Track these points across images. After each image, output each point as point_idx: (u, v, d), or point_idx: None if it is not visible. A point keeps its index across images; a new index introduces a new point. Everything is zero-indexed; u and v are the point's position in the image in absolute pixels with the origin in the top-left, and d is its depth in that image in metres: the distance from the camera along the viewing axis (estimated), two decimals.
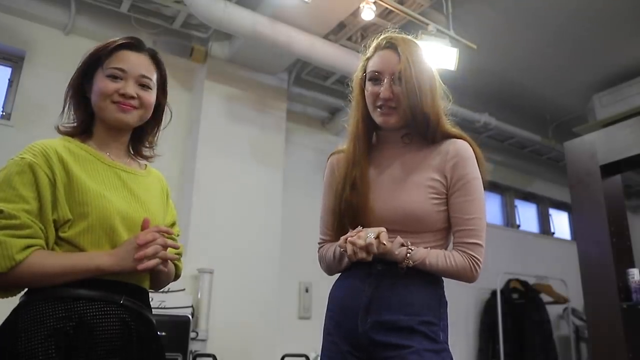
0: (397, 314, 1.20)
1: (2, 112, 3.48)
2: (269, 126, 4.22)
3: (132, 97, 1.18)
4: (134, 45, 1.23)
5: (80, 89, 1.23)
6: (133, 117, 1.20)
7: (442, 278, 1.29)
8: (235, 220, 3.81)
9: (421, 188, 1.25)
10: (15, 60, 3.59)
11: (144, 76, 1.21)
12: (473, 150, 1.29)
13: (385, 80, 1.27)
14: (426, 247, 1.24)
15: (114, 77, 1.18)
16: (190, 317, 3.11)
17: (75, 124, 1.22)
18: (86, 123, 1.22)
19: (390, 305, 1.21)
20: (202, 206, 3.63)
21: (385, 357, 1.18)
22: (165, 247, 1.11)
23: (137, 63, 1.20)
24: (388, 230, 1.19)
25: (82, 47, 3.74)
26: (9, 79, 3.57)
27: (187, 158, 3.92)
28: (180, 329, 2.97)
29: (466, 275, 1.24)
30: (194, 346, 3.32)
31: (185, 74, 4.03)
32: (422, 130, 1.29)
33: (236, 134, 4.02)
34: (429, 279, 1.25)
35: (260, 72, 4.21)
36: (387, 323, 1.20)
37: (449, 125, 1.32)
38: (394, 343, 1.17)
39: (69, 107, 1.22)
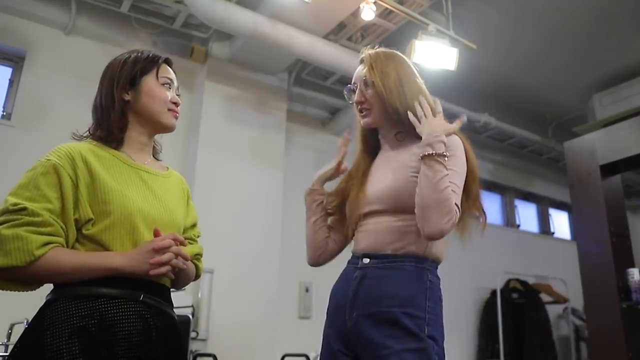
0: (380, 306, 1.22)
1: (3, 112, 3.48)
2: (269, 126, 4.22)
3: (178, 105, 1.33)
4: (171, 61, 1.37)
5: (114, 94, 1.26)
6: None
7: (431, 272, 1.29)
8: (235, 220, 3.81)
9: (403, 168, 1.33)
10: (15, 60, 3.60)
11: (178, 87, 1.36)
12: (462, 142, 1.34)
13: (357, 88, 1.43)
14: (408, 228, 1.28)
15: (168, 86, 1.31)
16: (191, 317, 3.12)
17: (106, 130, 1.25)
18: (121, 127, 1.26)
19: (374, 298, 1.24)
20: (202, 206, 3.62)
21: (368, 357, 1.21)
22: (177, 255, 1.16)
23: (175, 76, 1.35)
24: (375, 211, 1.33)
25: (82, 47, 3.75)
26: (9, 79, 3.57)
27: (187, 158, 3.93)
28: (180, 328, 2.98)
29: (442, 213, 1.18)
30: (194, 346, 3.33)
31: (186, 74, 4.03)
32: (398, 124, 1.38)
33: (236, 134, 4.02)
34: (413, 272, 1.26)
35: (260, 72, 4.21)
36: (371, 316, 1.23)
37: None
38: (376, 341, 1.19)
39: (113, 111, 1.24)
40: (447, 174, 1.21)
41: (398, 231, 1.29)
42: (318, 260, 1.48)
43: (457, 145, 1.30)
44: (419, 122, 1.30)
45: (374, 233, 1.31)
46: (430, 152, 1.22)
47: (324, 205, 1.49)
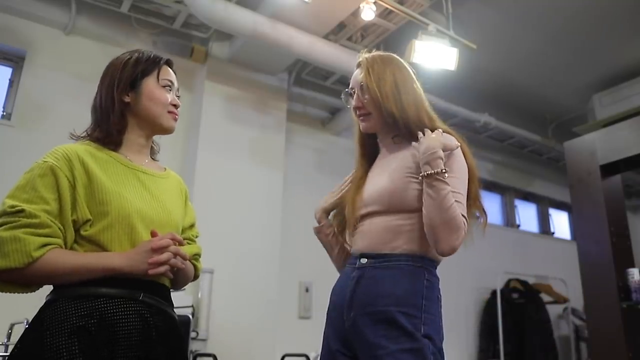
0: (377, 306, 1.23)
1: (3, 112, 3.48)
2: (269, 126, 4.22)
3: (178, 107, 1.33)
4: (172, 62, 1.37)
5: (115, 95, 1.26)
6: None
7: (429, 271, 1.29)
8: (235, 220, 3.81)
9: (399, 169, 1.33)
10: (15, 60, 3.60)
11: (178, 89, 1.36)
12: (459, 143, 1.34)
13: (355, 93, 1.44)
14: (406, 228, 1.28)
15: (168, 88, 1.31)
16: (191, 317, 3.12)
17: (105, 132, 1.25)
18: (120, 128, 1.26)
19: (370, 298, 1.25)
20: (202, 206, 3.63)
21: (364, 357, 1.21)
22: (176, 255, 1.16)
23: (175, 78, 1.35)
24: (372, 212, 1.33)
25: (82, 47, 3.75)
26: (9, 79, 3.57)
27: (187, 158, 3.93)
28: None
29: (451, 231, 1.19)
30: (194, 346, 3.33)
31: (186, 74, 4.03)
32: (394, 128, 1.39)
33: (236, 134, 4.02)
34: (410, 271, 1.26)
35: (260, 72, 4.21)
36: (367, 315, 1.23)
37: (432, 122, 1.38)
38: (372, 341, 1.20)
39: (113, 112, 1.24)
40: (450, 191, 1.21)
41: (395, 230, 1.29)
42: None
43: (457, 156, 1.30)
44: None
45: (371, 233, 1.32)
46: (430, 172, 1.22)
47: (336, 234, 1.48)
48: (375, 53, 1.46)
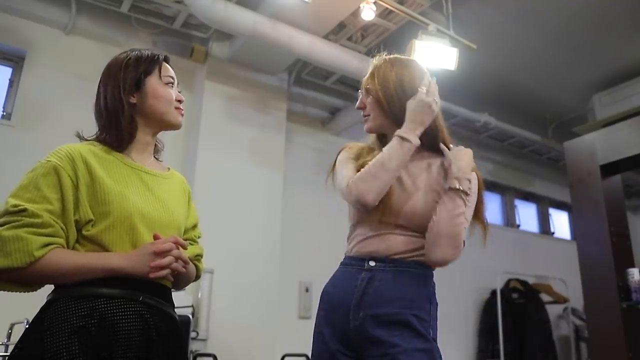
0: (389, 308, 1.25)
1: (3, 112, 3.48)
2: (269, 126, 4.22)
3: (182, 102, 1.34)
4: (169, 58, 1.37)
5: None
6: None
7: (432, 278, 1.34)
8: (235, 220, 3.81)
9: (430, 192, 1.33)
10: (15, 60, 3.60)
11: (178, 84, 1.37)
12: (477, 176, 1.38)
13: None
14: (419, 243, 1.31)
15: (171, 85, 1.31)
16: (191, 316, 3.12)
17: (115, 135, 1.23)
18: (131, 131, 1.25)
19: (383, 300, 1.26)
20: (202, 206, 3.62)
21: (375, 355, 1.22)
22: (177, 259, 1.15)
23: (174, 73, 1.36)
24: (400, 225, 1.31)
25: (82, 47, 3.75)
26: (9, 79, 3.57)
27: (187, 158, 3.93)
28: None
29: (451, 244, 1.26)
30: (194, 346, 3.33)
31: (186, 74, 4.03)
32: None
33: (236, 134, 4.02)
34: (419, 277, 1.30)
35: (260, 72, 4.21)
36: (379, 316, 1.24)
37: (441, 133, 1.39)
38: (384, 340, 1.21)
39: (123, 115, 1.23)
40: (464, 212, 1.26)
41: (411, 243, 1.31)
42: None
43: (474, 182, 1.34)
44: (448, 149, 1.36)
45: (387, 240, 1.32)
46: (457, 188, 1.27)
47: None
48: (390, 56, 1.45)
